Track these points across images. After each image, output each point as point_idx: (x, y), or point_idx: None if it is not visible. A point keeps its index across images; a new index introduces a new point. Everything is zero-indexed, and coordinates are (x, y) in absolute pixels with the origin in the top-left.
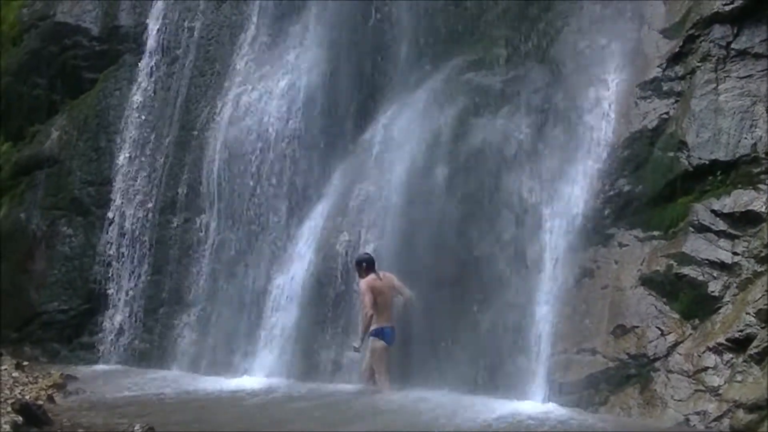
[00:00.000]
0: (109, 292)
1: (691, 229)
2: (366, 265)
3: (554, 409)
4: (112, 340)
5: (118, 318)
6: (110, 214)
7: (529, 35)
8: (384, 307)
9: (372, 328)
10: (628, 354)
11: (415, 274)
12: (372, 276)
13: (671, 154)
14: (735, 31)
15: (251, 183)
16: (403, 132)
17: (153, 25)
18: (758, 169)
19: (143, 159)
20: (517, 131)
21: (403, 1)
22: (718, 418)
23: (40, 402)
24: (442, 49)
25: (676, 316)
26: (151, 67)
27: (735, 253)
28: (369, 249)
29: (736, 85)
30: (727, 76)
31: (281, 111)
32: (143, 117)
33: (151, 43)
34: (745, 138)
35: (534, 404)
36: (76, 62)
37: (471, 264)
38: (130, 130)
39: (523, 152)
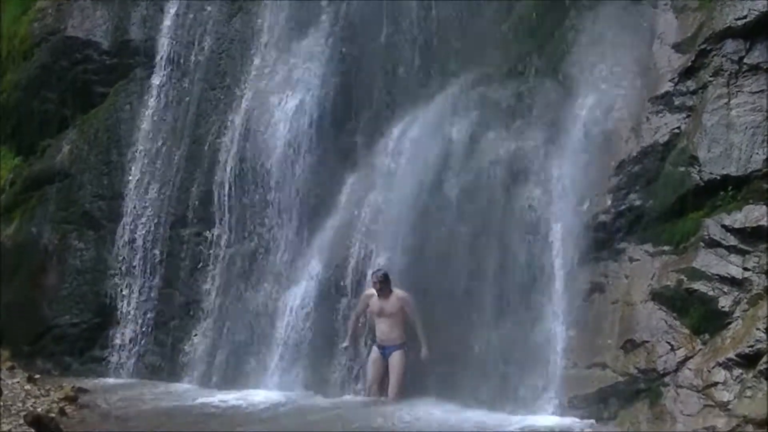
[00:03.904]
0: (120, 305)
1: (701, 244)
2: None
3: (565, 423)
4: (123, 353)
5: (129, 331)
6: (121, 228)
7: (541, 49)
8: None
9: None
10: (637, 369)
11: (425, 287)
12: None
13: (682, 169)
14: (748, 46)
15: (262, 196)
16: (415, 145)
17: (163, 39)
18: None
19: (154, 173)
20: (528, 145)
21: (415, 14)
22: None
23: (52, 414)
24: (453, 63)
25: (686, 331)
26: (162, 81)
27: (746, 269)
28: (380, 260)
29: (748, 100)
30: (739, 91)
31: (292, 124)
32: (154, 131)
33: (161, 57)
34: (757, 153)
35: (545, 418)
36: (86, 76)
37: (481, 278)
38: (141, 144)
39: (533, 166)
